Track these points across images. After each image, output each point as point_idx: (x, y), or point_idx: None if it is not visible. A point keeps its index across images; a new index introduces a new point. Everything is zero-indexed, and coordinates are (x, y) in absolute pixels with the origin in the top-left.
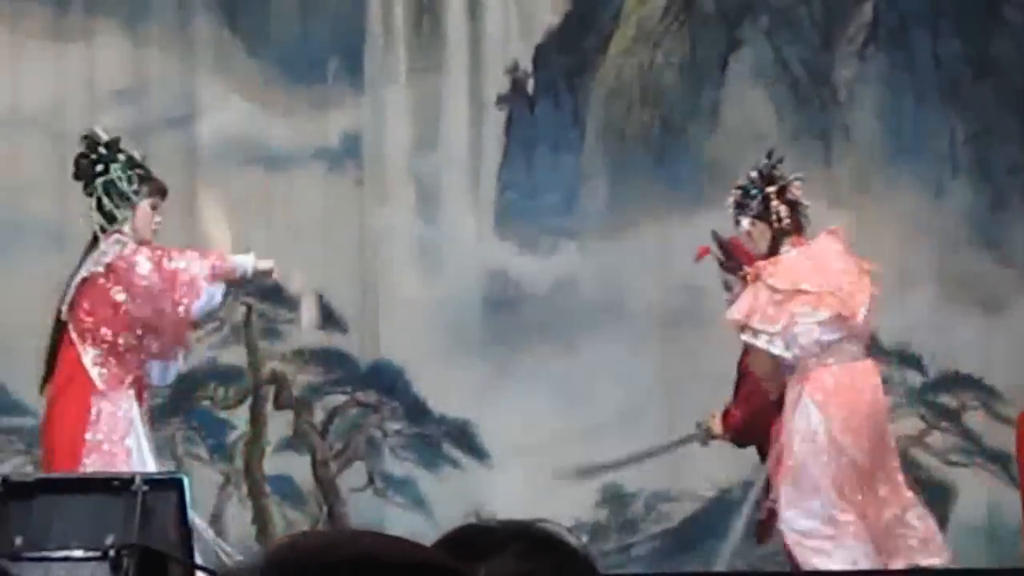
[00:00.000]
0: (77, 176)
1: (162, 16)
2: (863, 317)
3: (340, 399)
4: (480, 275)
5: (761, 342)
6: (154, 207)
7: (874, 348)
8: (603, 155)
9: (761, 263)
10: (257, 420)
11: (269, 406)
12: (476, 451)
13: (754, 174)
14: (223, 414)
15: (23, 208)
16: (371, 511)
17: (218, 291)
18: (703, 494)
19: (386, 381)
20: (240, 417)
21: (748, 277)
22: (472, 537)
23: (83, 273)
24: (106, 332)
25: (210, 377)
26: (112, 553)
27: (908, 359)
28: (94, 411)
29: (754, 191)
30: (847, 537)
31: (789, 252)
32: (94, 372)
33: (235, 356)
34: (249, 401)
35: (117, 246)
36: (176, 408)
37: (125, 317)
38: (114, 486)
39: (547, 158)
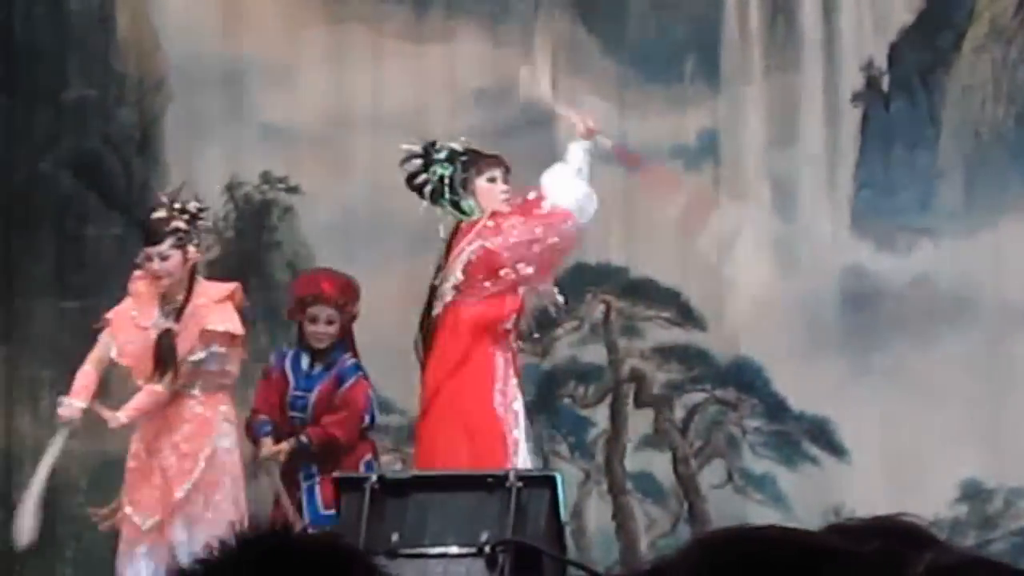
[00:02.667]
0: (412, 188)
1: (521, 15)
2: None
3: (699, 397)
4: (837, 272)
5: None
6: (492, 180)
7: None
8: (958, 152)
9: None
10: (617, 418)
11: (630, 404)
12: (835, 448)
13: (198, 205)
14: (583, 412)
15: (387, 209)
16: (731, 508)
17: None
18: None
19: (745, 378)
20: (600, 414)
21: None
22: (854, 532)
23: (463, 261)
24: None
25: (571, 375)
26: (488, 549)
27: None
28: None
29: (184, 217)
30: None
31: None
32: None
33: (595, 354)
34: (609, 399)
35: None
36: (542, 406)
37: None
38: (488, 483)
39: (903, 156)
